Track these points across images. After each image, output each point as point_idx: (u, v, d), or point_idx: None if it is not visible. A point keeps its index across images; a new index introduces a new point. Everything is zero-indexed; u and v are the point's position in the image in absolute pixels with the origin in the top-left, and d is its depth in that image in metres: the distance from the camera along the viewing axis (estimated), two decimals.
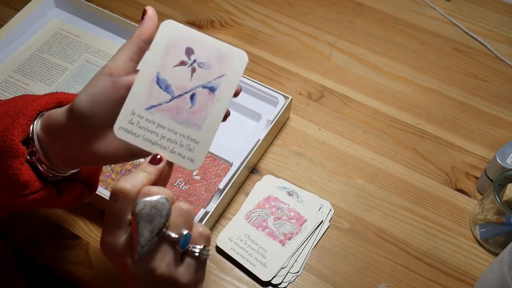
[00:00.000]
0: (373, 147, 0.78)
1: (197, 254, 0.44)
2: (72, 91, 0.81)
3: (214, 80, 0.45)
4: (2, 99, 0.79)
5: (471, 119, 0.82)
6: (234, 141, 0.75)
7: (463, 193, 0.74)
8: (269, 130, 0.74)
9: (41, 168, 0.49)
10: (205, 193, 0.69)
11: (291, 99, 0.77)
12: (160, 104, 0.45)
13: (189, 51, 0.45)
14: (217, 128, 0.45)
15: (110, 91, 0.45)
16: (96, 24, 0.89)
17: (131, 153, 0.48)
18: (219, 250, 0.68)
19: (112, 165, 0.71)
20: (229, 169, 0.71)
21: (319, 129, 0.80)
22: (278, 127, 0.79)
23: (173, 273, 0.43)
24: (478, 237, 0.70)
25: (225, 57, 0.45)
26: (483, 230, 0.69)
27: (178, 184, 0.70)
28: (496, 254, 0.68)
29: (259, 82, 0.79)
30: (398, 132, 0.80)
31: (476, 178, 0.76)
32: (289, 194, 0.72)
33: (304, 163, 0.76)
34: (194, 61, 0.45)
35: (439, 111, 0.83)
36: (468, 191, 0.75)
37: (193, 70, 0.45)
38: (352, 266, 0.68)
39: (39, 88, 0.81)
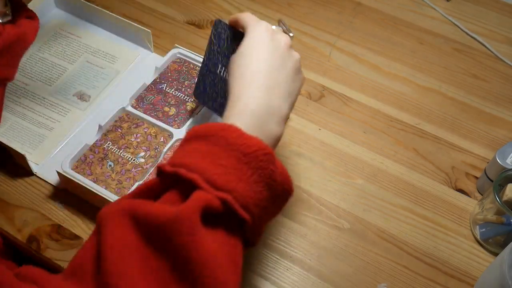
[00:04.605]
0: (373, 147, 0.78)
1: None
2: (72, 91, 0.81)
3: None
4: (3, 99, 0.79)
5: (471, 119, 0.82)
6: None
7: (463, 193, 0.74)
8: None
9: None
10: None
11: None
12: None
13: None
14: None
15: None
16: (96, 24, 0.89)
17: None
18: None
19: (112, 165, 0.71)
20: None
21: (319, 129, 0.80)
22: None
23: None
24: (478, 237, 0.70)
25: None
26: (483, 230, 0.69)
27: None
28: (496, 254, 0.68)
29: None
30: (398, 132, 0.80)
31: (476, 178, 0.76)
32: None
33: (304, 163, 0.76)
34: None
35: (439, 111, 0.83)
36: (468, 191, 0.75)
37: None
38: (352, 266, 0.68)
39: (39, 88, 0.81)
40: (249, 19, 0.57)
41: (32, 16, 0.63)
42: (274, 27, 0.59)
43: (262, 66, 0.52)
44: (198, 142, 0.46)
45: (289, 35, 0.58)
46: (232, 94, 0.51)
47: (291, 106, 0.54)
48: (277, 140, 0.51)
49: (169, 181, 0.45)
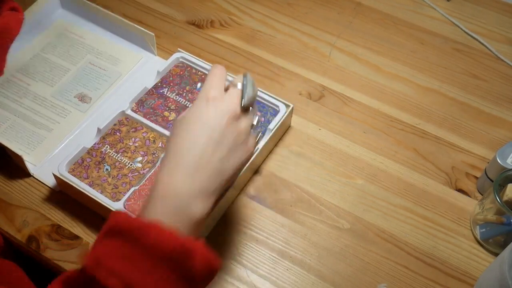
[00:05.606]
0: (373, 147, 0.78)
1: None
2: (74, 92, 0.81)
3: None
4: (3, 98, 0.79)
5: (471, 119, 0.82)
6: None
7: (463, 193, 0.74)
8: (269, 138, 0.73)
9: None
10: None
11: (293, 107, 0.77)
12: None
13: None
14: None
15: None
16: (101, 25, 0.89)
17: None
18: None
19: (109, 169, 0.70)
20: None
21: (319, 129, 0.80)
22: (279, 135, 0.78)
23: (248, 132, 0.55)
24: (478, 237, 0.70)
25: None
26: (483, 230, 0.69)
27: None
28: (496, 254, 0.68)
29: (260, 90, 0.77)
30: (398, 132, 0.80)
31: (476, 178, 0.76)
32: None
33: (304, 163, 0.76)
34: None
35: (439, 111, 0.83)
36: (468, 191, 0.75)
37: None
38: (352, 266, 0.68)
39: (41, 89, 0.81)
40: (207, 80, 0.55)
41: (16, 7, 0.62)
42: (239, 83, 0.55)
43: (193, 145, 0.51)
44: (117, 240, 0.47)
45: (242, 99, 0.54)
46: (161, 167, 0.52)
47: (225, 182, 0.53)
48: (201, 219, 0.51)
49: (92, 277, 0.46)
